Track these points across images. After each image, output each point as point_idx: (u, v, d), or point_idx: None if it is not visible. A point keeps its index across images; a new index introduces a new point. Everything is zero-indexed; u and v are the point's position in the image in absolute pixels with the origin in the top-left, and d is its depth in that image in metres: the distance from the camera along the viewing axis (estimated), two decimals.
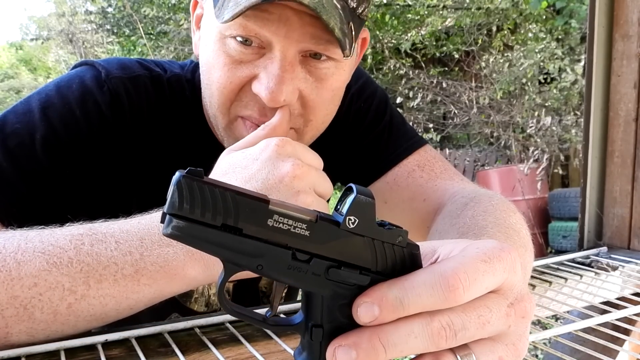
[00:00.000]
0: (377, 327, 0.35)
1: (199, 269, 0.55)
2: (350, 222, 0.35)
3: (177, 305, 0.82)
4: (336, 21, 0.61)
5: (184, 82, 0.81)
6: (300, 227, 0.34)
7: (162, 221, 0.33)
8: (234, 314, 0.37)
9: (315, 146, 0.90)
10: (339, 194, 0.38)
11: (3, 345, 0.54)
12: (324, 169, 0.93)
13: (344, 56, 0.65)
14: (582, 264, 0.98)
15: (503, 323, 0.36)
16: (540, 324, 1.77)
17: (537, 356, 2.21)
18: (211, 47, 0.68)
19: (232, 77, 0.67)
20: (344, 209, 0.35)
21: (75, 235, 0.55)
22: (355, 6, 0.65)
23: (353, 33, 0.65)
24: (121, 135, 0.74)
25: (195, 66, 0.84)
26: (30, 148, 0.67)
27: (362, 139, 0.90)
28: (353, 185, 0.35)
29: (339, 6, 0.62)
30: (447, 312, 0.35)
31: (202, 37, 0.73)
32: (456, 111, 5.41)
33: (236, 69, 0.67)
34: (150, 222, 0.56)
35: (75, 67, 0.78)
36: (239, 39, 0.65)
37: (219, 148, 0.82)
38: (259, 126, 0.68)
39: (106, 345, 0.57)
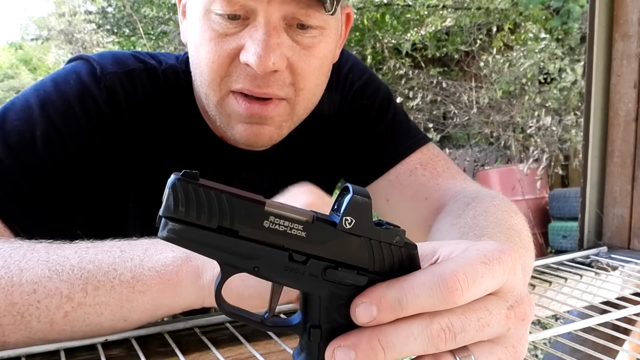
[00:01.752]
0: (377, 328, 0.35)
1: (192, 277, 0.55)
2: (346, 222, 0.35)
3: None
4: None
5: (180, 72, 0.81)
6: (296, 228, 0.34)
7: (158, 225, 0.33)
8: (232, 316, 0.37)
9: (318, 142, 0.90)
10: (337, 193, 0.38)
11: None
12: (327, 167, 0.94)
13: (325, 11, 0.66)
14: (582, 263, 0.98)
15: (503, 326, 0.36)
16: (540, 324, 1.77)
17: (537, 356, 2.21)
18: (197, 24, 0.69)
19: (220, 50, 0.67)
20: (341, 209, 0.35)
21: (82, 248, 0.56)
22: None
23: None
24: (119, 131, 0.74)
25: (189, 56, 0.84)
26: (32, 144, 0.68)
27: (365, 136, 0.90)
28: (349, 185, 0.35)
29: None
30: (447, 314, 0.35)
31: (188, 22, 0.73)
32: (456, 111, 5.40)
33: (222, 42, 0.67)
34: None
35: (69, 61, 0.78)
36: (225, 15, 0.65)
37: (213, 139, 0.82)
38: (251, 100, 0.69)
39: (106, 345, 0.57)
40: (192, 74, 0.77)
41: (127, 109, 0.74)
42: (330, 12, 0.66)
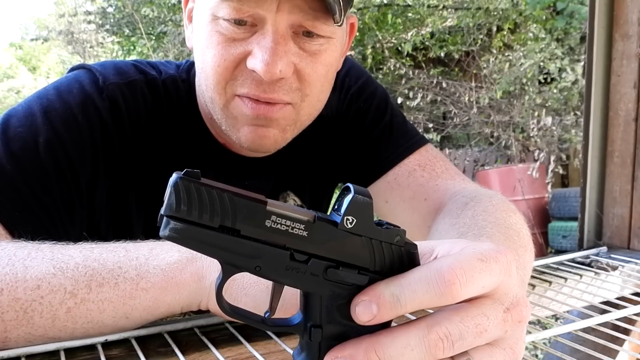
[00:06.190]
0: (374, 339, 0.35)
1: (195, 277, 0.55)
2: (348, 222, 0.35)
3: None
4: None
5: (179, 82, 0.81)
6: (298, 228, 0.34)
7: (160, 224, 0.33)
8: (233, 315, 0.37)
9: (317, 146, 0.90)
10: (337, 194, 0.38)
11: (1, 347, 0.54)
12: (325, 170, 0.94)
13: (334, 22, 0.66)
14: (582, 263, 0.98)
15: (500, 329, 0.37)
16: (540, 324, 1.77)
17: (537, 356, 2.21)
18: (203, 29, 0.70)
19: (226, 54, 0.68)
20: (342, 209, 0.35)
21: (87, 247, 0.56)
22: None
23: (341, 3, 0.65)
24: (120, 141, 0.74)
25: (190, 65, 0.84)
26: (34, 151, 0.68)
27: (363, 139, 0.90)
28: (350, 185, 0.35)
29: None
30: (445, 323, 0.35)
31: (195, 27, 0.74)
32: (456, 111, 5.41)
33: (229, 46, 0.68)
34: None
35: (71, 70, 0.79)
36: (232, 20, 0.66)
37: (217, 146, 0.82)
38: (258, 101, 0.69)
39: (106, 345, 0.57)
40: (198, 79, 0.77)
41: (128, 119, 0.75)
42: (339, 24, 0.67)
